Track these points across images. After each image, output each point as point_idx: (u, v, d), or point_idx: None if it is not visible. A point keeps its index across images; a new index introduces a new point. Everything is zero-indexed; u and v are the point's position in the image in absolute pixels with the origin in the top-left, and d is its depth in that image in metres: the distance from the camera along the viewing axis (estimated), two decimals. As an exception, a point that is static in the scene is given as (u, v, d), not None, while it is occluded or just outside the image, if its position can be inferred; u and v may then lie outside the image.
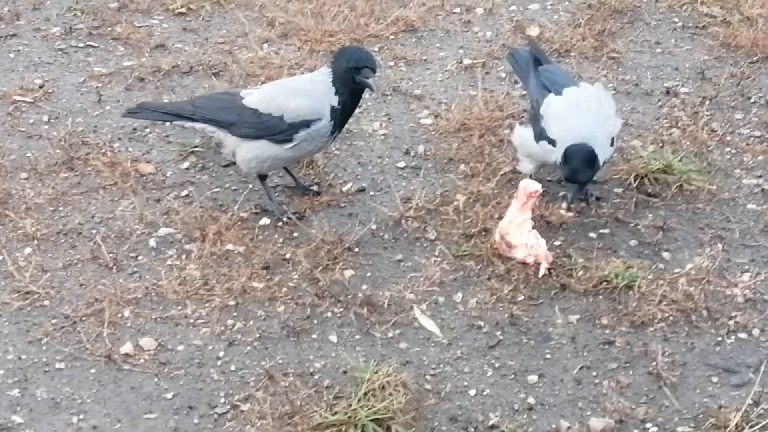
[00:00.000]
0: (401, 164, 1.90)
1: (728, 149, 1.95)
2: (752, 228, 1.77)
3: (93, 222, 1.76)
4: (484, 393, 1.48)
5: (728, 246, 1.72)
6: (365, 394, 1.43)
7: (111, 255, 1.68)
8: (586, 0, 2.31)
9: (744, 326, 1.59)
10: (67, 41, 2.20)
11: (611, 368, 1.52)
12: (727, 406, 1.45)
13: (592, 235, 1.75)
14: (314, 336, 1.56)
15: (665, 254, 1.71)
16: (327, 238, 1.71)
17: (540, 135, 1.70)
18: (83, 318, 1.57)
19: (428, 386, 1.48)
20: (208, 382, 1.49)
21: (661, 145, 1.94)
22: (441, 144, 1.94)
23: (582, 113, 1.69)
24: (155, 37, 2.22)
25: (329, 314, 1.59)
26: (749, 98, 2.08)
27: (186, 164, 1.88)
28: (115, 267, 1.66)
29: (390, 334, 1.56)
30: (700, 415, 1.45)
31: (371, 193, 1.82)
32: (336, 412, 1.41)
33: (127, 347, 1.53)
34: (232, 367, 1.51)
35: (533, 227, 1.67)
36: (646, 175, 1.85)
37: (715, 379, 1.51)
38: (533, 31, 2.23)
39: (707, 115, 2.02)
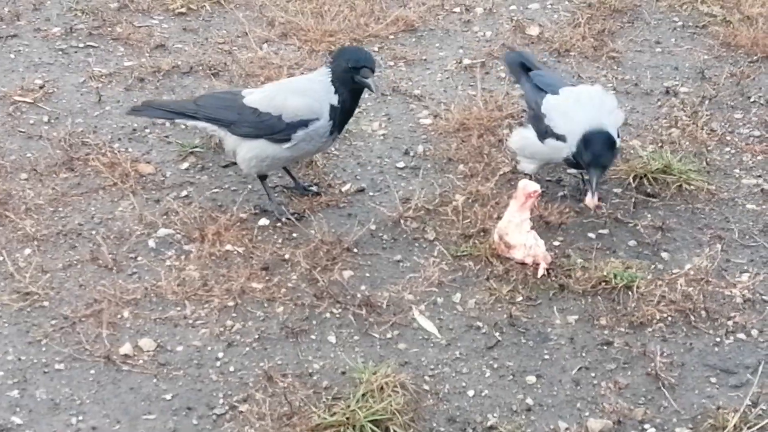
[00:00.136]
0: (400, 164, 1.90)
1: (728, 149, 1.95)
2: (751, 228, 1.77)
3: (93, 223, 1.76)
4: (483, 394, 1.48)
5: (727, 246, 1.72)
6: (364, 394, 1.43)
7: (110, 256, 1.68)
8: (586, -1, 2.32)
9: (743, 327, 1.59)
10: (67, 41, 2.20)
11: (610, 369, 1.52)
12: (726, 406, 1.46)
13: (591, 235, 1.75)
14: (313, 337, 1.56)
15: (664, 254, 1.71)
16: (326, 239, 1.71)
17: (545, 133, 1.70)
18: (82, 319, 1.58)
19: (427, 387, 1.48)
20: (206, 382, 1.49)
21: (660, 145, 1.93)
22: (440, 144, 1.94)
23: (586, 107, 1.69)
24: (155, 38, 2.22)
25: (328, 315, 1.59)
26: (749, 98, 2.07)
27: (185, 165, 1.89)
28: (114, 268, 1.66)
29: (389, 335, 1.57)
30: (699, 416, 1.45)
31: (370, 194, 1.82)
32: (334, 413, 1.41)
33: (126, 348, 1.53)
34: (231, 368, 1.51)
35: (532, 227, 1.67)
36: (645, 175, 1.84)
37: (713, 380, 1.51)
38: (533, 31, 2.23)
39: (707, 115, 2.01)
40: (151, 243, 1.72)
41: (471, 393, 1.48)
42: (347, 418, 1.40)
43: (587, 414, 1.46)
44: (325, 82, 1.64)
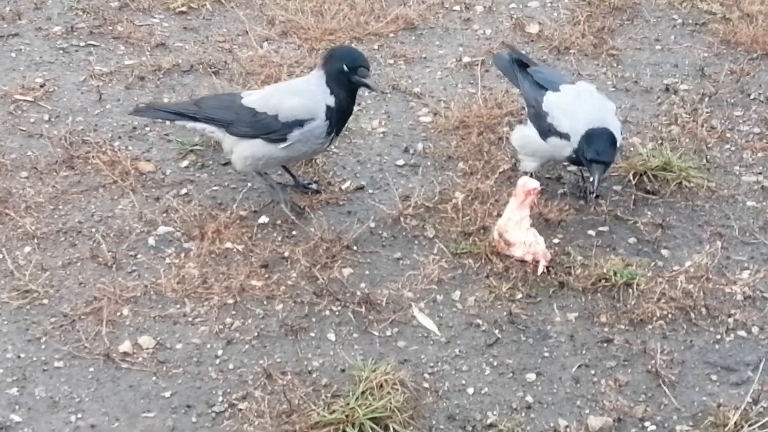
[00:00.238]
0: (400, 162, 1.90)
1: (728, 146, 1.94)
2: (751, 225, 1.77)
3: (93, 220, 1.76)
4: (482, 391, 1.48)
5: (727, 243, 1.72)
6: (363, 392, 1.43)
7: (110, 253, 1.68)
8: (586, -3, 2.32)
9: (743, 324, 1.58)
10: (68, 40, 2.21)
11: (610, 366, 1.51)
12: (726, 404, 1.45)
13: (591, 232, 1.74)
14: (312, 334, 1.56)
15: (664, 252, 1.71)
16: (325, 237, 1.71)
17: (548, 131, 1.70)
18: (82, 316, 1.58)
19: (426, 385, 1.48)
20: (206, 380, 1.49)
21: (660, 142, 1.93)
22: (440, 142, 1.93)
23: (587, 104, 1.69)
24: (156, 36, 2.22)
25: (327, 312, 1.59)
26: (749, 95, 2.07)
27: (185, 163, 1.89)
28: (114, 265, 1.66)
29: (388, 333, 1.56)
30: (699, 414, 1.45)
31: (370, 191, 1.82)
32: (334, 411, 1.41)
33: (125, 346, 1.53)
34: (231, 366, 1.51)
35: (532, 225, 1.66)
36: (645, 173, 1.84)
37: (714, 377, 1.50)
38: (533, 29, 2.23)
39: (707, 112, 2.01)
40: (151, 241, 1.72)
41: (471, 390, 1.48)
42: (347, 416, 1.40)
43: (587, 411, 1.45)
44: (321, 84, 1.64)
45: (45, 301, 1.61)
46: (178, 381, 1.49)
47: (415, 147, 1.94)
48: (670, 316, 1.58)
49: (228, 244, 1.70)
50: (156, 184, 1.84)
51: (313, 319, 1.58)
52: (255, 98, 1.69)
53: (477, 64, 2.12)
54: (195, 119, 1.72)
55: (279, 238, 1.72)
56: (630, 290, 1.62)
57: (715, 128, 1.98)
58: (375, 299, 1.60)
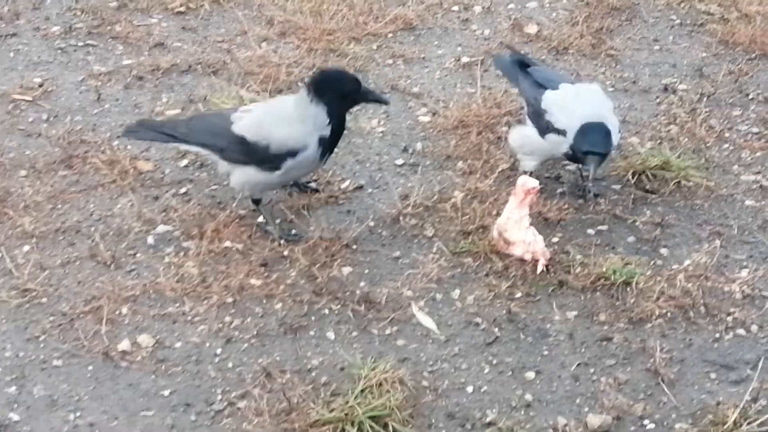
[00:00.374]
0: (399, 161, 1.90)
1: (726, 146, 1.95)
2: (750, 224, 1.77)
3: (91, 220, 1.76)
4: (482, 390, 1.47)
5: (726, 242, 1.72)
6: (362, 390, 1.42)
7: (109, 252, 1.68)
8: (584, -3, 2.33)
9: (742, 322, 1.58)
10: (66, 40, 2.21)
11: (609, 365, 1.52)
12: (725, 402, 1.45)
13: (590, 231, 1.75)
14: (312, 333, 1.55)
15: (663, 250, 1.71)
16: (325, 236, 1.71)
17: (546, 129, 1.70)
18: (81, 315, 1.57)
19: (426, 383, 1.48)
20: (205, 379, 1.49)
21: (659, 141, 1.94)
22: (439, 141, 1.94)
23: (585, 102, 1.70)
24: (154, 36, 2.22)
25: (327, 311, 1.59)
26: (747, 95, 2.07)
27: (185, 162, 1.88)
28: (113, 264, 1.66)
29: (387, 331, 1.56)
30: (698, 412, 1.45)
31: (369, 191, 1.82)
32: (333, 409, 1.41)
33: (124, 344, 1.53)
34: (230, 364, 1.51)
35: (531, 224, 1.66)
36: (644, 172, 1.84)
37: (713, 376, 1.50)
38: (531, 29, 2.23)
39: (705, 112, 2.01)
40: (150, 240, 1.72)
41: (470, 389, 1.48)
42: (346, 414, 1.40)
43: (586, 410, 1.45)
44: (319, 115, 1.60)
45: (44, 299, 1.60)
46: (177, 379, 1.48)
47: (414, 146, 1.94)
48: (669, 314, 1.59)
49: (227, 243, 1.70)
50: (155, 183, 1.84)
51: (313, 318, 1.58)
52: (246, 124, 1.61)
53: (476, 64, 2.13)
54: (186, 142, 1.68)
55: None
56: (629, 289, 1.62)
57: (713, 128, 1.98)
58: (374, 298, 1.60)
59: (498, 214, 1.71)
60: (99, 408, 1.44)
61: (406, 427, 1.41)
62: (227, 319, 1.58)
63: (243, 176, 1.66)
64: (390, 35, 2.23)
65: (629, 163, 1.86)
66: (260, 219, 1.74)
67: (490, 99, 2.03)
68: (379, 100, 1.68)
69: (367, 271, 1.66)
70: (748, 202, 1.82)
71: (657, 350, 1.52)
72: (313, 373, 1.49)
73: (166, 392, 1.47)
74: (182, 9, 2.30)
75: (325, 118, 1.61)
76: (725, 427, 1.40)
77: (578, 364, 1.51)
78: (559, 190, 1.82)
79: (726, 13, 2.26)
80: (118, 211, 1.77)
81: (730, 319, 1.59)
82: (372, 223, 1.75)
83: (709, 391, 1.48)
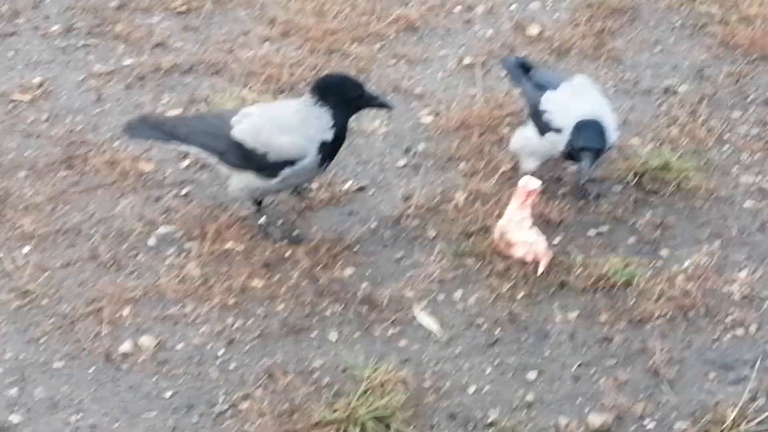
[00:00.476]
0: (401, 162, 1.90)
1: (726, 147, 1.95)
2: (749, 225, 1.78)
3: (92, 221, 1.75)
4: (483, 390, 1.48)
5: (726, 243, 1.73)
6: (365, 391, 1.43)
7: (110, 254, 1.68)
8: (586, -1, 2.34)
9: (741, 323, 1.59)
10: (66, 39, 2.19)
11: (609, 365, 1.52)
12: (724, 401, 1.46)
13: (591, 232, 1.75)
14: (314, 334, 1.56)
15: (663, 251, 1.72)
16: (327, 237, 1.71)
17: (545, 128, 1.72)
18: (82, 317, 1.57)
19: (428, 384, 1.49)
20: (207, 380, 1.49)
21: (659, 143, 1.94)
22: (441, 142, 1.94)
23: (581, 100, 1.71)
24: (155, 36, 2.21)
25: (329, 312, 1.59)
26: (747, 97, 2.08)
27: (186, 163, 1.88)
28: (114, 266, 1.66)
29: (390, 332, 1.57)
30: (698, 411, 1.46)
31: (371, 192, 1.82)
32: (336, 410, 1.41)
33: (125, 346, 1.53)
34: (232, 366, 1.51)
35: (533, 225, 1.67)
36: (644, 173, 1.85)
37: (712, 376, 1.51)
38: (533, 30, 2.23)
39: (705, 114, 2.02)
40: (151, 241, 1.71)
41: (472, 389, 1.48)
42: (348, 415, 1.41)
43: (587, 409, 1.46)
44: (323, 120, 1.58)
45: (44, 301, 1.60)
46: (179, 381, 1.49)
47: (416, 147, 1.94)
48: (669, 315, 1.60)
49: (229, 244, 1.70)
50: (156, 184, 1.83)
51: (315, 319, 1.58)
52: (245, 129, 1.59)
53: (478, 65, 2.13)
54: (187, 142, 1.67)
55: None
56: (629, 290, 1.63)
57: (713, 129, 1.99)
58: (376, 299, 1.61)
59: (500, 216, 1.71)
60: (100, 410, 1.44)
61: (409, 427, 1.41)
62: (229, 320, 1.58)
63: (241, 181, 1.65)
64: (392, 36, 2.22)
65: (630, 165, 1.87)
66: (261, 220, 1.74)
67: (492, 100, 2.03)
68: (383, 105, 1.67)
69: (369, 272, 1.66)
70: (747, 204, 1.83)
71: (657, 350, 1.53)
72: (316, 375, 1.49)
73: (168, 394, 1.47)
74: (184, 8, 2.29)
75: (329, 121, 1.60)
76: (724, 426, 1.41)
77: (579, 365, 1.52)
78: (560, 192, 1.82)
79: (726, 15, 2.27)
80: (119, 212, 1.77)
81: (729, 319, 1.60)
82: (374, 225, 1.75)
83: (709, 390, 1.49)
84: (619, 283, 1.63)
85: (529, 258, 1.67)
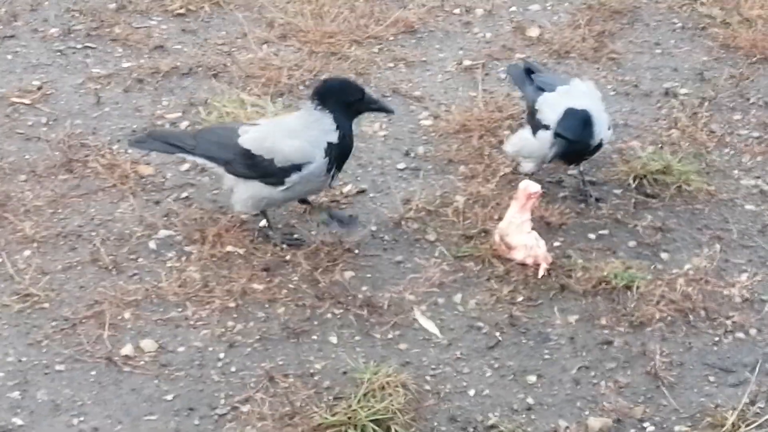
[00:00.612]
0: (401, 165, 1.90)
1: (727, 150, 1.96)
2: (750, 228, 1.78)
3: (92, 224, 1.76)
4: (484, 393, 1.49)
5: (726, 246, 1.73)
6: (365, 394, 1.43)
7: (111, 257, 1.68)
8: (586, 1, 2.31)
9: (741, 326, 1.60)
10: (65, 42, 2.19)
11: (610, 368, 1.53)
12: (724, 404, 1.47)
13: (592, 235, 1.76)
14: (314, 337, 1.56)
15: (664, 255, 1.72)
16: (327, 240, 1.71)
17: (537, 127, 1.72)
18: (83, 320, 1.57)
19: (428, 387, 1.49)
20: (208, 383, 1.49)
21: (660, 146, 1.94)
22: (441, 145, 1.94)
23: (574, 99, 1.71)
24: (154, 38, 2.21)
25: (329, 315, 1.60)
26: (748, 99, 2.08)
27: (186, 166, 1.88)
28: (114, 269, 1.66)
29: (390, 335, 1.57)
30: (697, 414, 1.46)
31: (371, 195, 1.82)
32: (336, 413, 1.42)
33: (127, 349, 1.53)
34: (233, 369, 1.51)
35: (533, 228, 1.67)
36: (645, 176, 1.85)
37: (712, 379, 1.52)
38: (533, 32, 2.23)
39: (706, 116, 2.02)
40: (152, 244, 1.72)
41: (472, 392, 1.49)
42: (349, 418, 1.41)
43: (587, 413, 1.46)
44: (325, 122, 1.58)
45: (46, 305, 1.60)
46: (180, 384, 1.49)
47: (415, 150, 1.94)
48: (669, 318, 1.60)
49: (229, 248, 1.70)
50: (156, 188, 1.83)
51: (315, 322, 1.58)
52: (251, 137, 1.61)
53: (477, 68, 2.13)
54: (193, 153, 1.67)
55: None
56: (630, 293, 1.63)
57: (714, 132, 1.99)
58: (376, 302, 1.61)
59: (500, 219, 1.71)
60: (102, 413, 1.44)
61: (409, 430, 1.42)
62: (230, 323, 1.59)
63: (247, 191, 1.64)
64: (391, 38, 2.22)
65: (630, 168, 1.87)
66: (262, 223, 1.74)
67: (491, 103, 2.03)
68: (384, 109, 1.67)
69: (369, 275, 1.67)
70: (748, 207, 1.83)
71: (657, 353, 1.53)
72: (316, 377, 1.49)
73: (169, 397, 1.47)
74: (182, 11, 2.29)
75: (332, 124, 1.61)
76: (724, 429, 1.42)
77: (579, 368, 1.52)
78: (560, 195, 1.82)
79: (727, 17, 2.26)
80: (119, 216, 1.77)
81: (729, 322, 1.60)
82: (374, 228, 1.75)
83: (708, 393, 1.49)
84: (619, 287, 1.64)
85: (529, 261, 1.67)
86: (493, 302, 1.62)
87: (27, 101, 2.04)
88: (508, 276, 1.66)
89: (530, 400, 1.48)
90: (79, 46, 2.19)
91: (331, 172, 1.65)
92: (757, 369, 1.51)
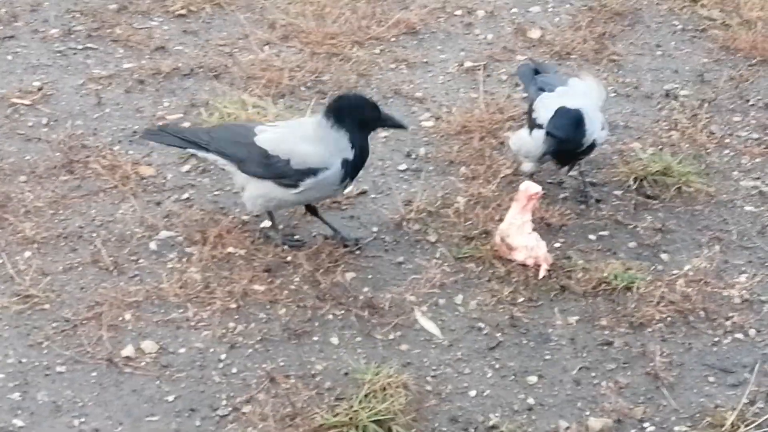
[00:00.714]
0: (402, 167, 1.90)
1: (726, 151, 1.96)
2: (749, 230, 1.79)
3: (93, 225, 1.76)
4: (485, 394, 1.49)
5: (726, 248, 1.74)
6: (366, 395, 1.44)
7: (111, 258, 1.68)
8: (587, 2, 2.32)
9: (741, 327, 1.60)
10: (65, 43, 2.19)
11: (610, 369, 1.53)
12: (724, 405, 1.47)
13: (592, 236, 1.76)
14: (315, 338, 1.56)
15: (664, 256, 1.73)
16: (328, 241, 1.71)
17: (532, 126, 1.73)
18: (84, 321, 1.57)
19: (429, 387, 1.49)
20: (209, 384, 1.49)
21: (660, 147, 1.95)
22: (442, 146, 1.94)
23: (569, 99, 1.72)
24: (155, 39, 2.21)
25: (330, 316, 1.60)
26: (748, 101, 2.09)
27: (187, 167, 1.88)
28: (115, 270, 1.66)
29: (391, 336, 1.57)
30: (697, 415, 1.46)
31: (372, 196, 1.83)
32: (337, 414, 1.42)
33: (128, 350, 1.53)
34: (234, 370, 1.52)
35: (533, 229, 1.68)
36: (645, 177, 1.86)
37: (711, 379, 1.52)
38: (534, 34, 2.23)
39: (706, 118, 2.03)
40: (153, 245, 1.72)
41: (473, 393, 1.49)
42: (350, 419, 1.41)
43: (588, 413, 1.47)
44: (341, 141, 1.57)
45: (46, 306, 1.60)
46: (181, 385, 1.49)
47: (417, 152, 1.94)
48: (669, 319, 1.60)
49: (230, 249, 1.70)
50: (157, 189, 1.83)
51: (316, 323, 1.58)
52: (268, 137, 1.60)
53: (479, 69, 2.13)
54: (206, 149, 1.66)
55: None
56: (630, 294, 1.64)
57: (714, 134, 2.00)
58: (378, 303, 1.61)
59: (500, 220, 1.72)
60: (103, 414, 1.44)
61: (410, 431, 1.42)
62: (231, 324, 1.59)
63: (259, 190, 1.63)
64: (393, 39, 2.22)
65: (631, 169, 1.87)
66: (263, 224, 1.74)
67: (492, 104, 2.04)
68: (399, 125, 1.66)
69: (370, 276, 1.67)
70: (747, 208, 1.83)
71: (657, 354, 1.54)
72: (317, 378, 1.50)
73: (171, 398, 1.47)
74: (183, 12, 2.29)
75: (347, 144, 1.60)
76: (723, 429, 1.42)
77: (580, 368, 1.53)
78: (561, 196, 1.83)
79: (727, 19, 2.26)
80: (120, 217, 1.77)
81: (728, 323, 1.61)
82: (375, 229, 1.75)
83: (708, 394, 1.50)
84: (619, 287, 1.64)
85: (529, 262, 1.67)
86: (494, 303, 1.62)
87: (27, 102, 2.03)
88: (508, 277, 1.66)
89: (531, 401, 1.48)
90: (79, 46, 2.19)
91: (344, 182, 1.64)
92: (756, 369, 1.51)
